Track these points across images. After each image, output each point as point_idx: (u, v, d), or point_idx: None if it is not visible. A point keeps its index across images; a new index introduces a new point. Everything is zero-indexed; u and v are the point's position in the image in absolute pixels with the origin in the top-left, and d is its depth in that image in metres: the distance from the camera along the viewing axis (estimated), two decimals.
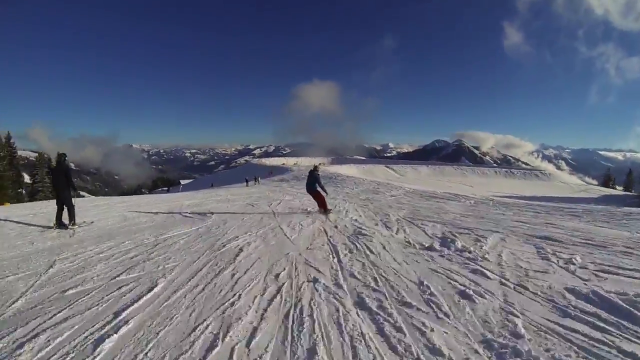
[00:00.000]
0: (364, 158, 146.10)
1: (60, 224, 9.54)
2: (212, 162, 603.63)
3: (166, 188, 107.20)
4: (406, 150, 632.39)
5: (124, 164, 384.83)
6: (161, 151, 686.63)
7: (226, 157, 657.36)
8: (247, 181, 46.53)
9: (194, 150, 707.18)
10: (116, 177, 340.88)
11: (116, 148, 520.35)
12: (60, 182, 9.62)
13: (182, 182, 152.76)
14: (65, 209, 9.70)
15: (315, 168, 12.64)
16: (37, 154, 69.03)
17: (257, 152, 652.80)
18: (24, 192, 54.78)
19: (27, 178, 68.18)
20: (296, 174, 50.30)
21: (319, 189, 11.84)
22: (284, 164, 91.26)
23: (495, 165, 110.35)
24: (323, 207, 11.78)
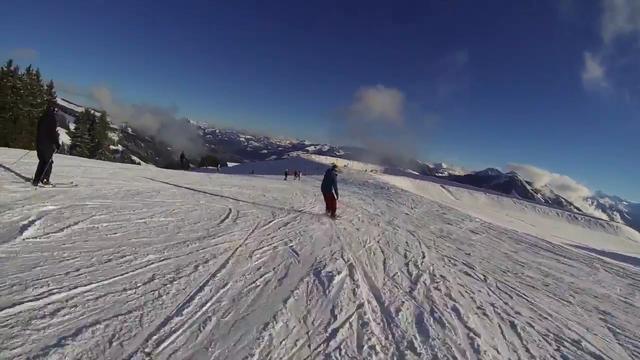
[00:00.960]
0: (417, 173, 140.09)
1: (36, 179, 7.97)
2: (265, 151, 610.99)
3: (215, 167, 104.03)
4: (458, 174, 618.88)
5: (179, 136, 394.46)
6: (217, 131, 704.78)
7: (279, 148, 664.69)
8: (286, 174, 41.05)
9: (249, 136, 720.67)
10: (169, 148, 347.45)
11: (173, 120, 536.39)
12: (42, 134, 8.30)
13: (229, 164, 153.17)
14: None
15: (334, 168, 11.71)
16: (83, 109, 67.66)
17: (311, 148, 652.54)
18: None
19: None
20: (344, 176, 43.96)
21: (333, 191, 10.89)
22: (333, 163, 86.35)
23: (545, 204, 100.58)
24: (332, 211, 10.85)
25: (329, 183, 10.88)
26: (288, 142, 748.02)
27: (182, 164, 35.23)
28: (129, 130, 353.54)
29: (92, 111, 67.32)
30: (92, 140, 61.38)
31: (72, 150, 59.17)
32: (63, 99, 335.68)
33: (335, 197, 10.88)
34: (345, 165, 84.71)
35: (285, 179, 35.57)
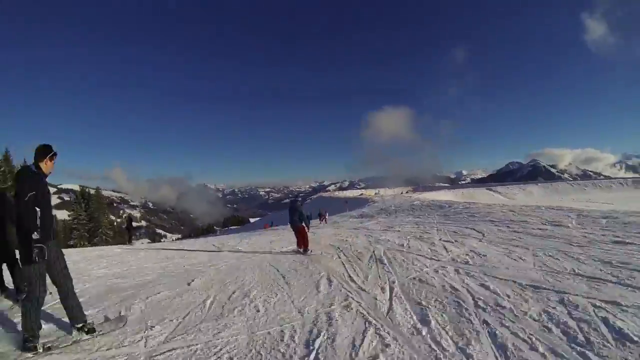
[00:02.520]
0: (447, 185, 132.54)
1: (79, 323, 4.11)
2: (287, 200, 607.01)
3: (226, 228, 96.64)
4: (480, 176, 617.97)
5: (199, 202, 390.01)
6: (236, 190, 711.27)
7: (301, 194, 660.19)
8: (320, 217, 30.49)
9: (269, 189, 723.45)
10: (191, 215, 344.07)
11: (191, 188, 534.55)
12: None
13: (252, 219, 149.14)
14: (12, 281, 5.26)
15: (297, 198, 11.57)
16: (92, 190, 63.09)
17: (331, 188, 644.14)
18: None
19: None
20: (381, 205, 34.74)
21: (304, 224, 10.02)
22: (362, 194, 76.85)
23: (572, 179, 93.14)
24: (305, 245, 9.69)
25: (298, 216, 10.02)
26: (308, 186, 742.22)
27: (129, 233, 25.89)
28: (150, 204, 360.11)
29: (87, 189, 62.65)
30: (89, 220, 55.53)
31: (71, 234, 54.09)
32: (80, 185, 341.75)
33: (306, 229, 10.07)
34: (376, 193, 75.40)
35: (321, 222, 27.02)
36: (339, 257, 8.24)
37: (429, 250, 8.15)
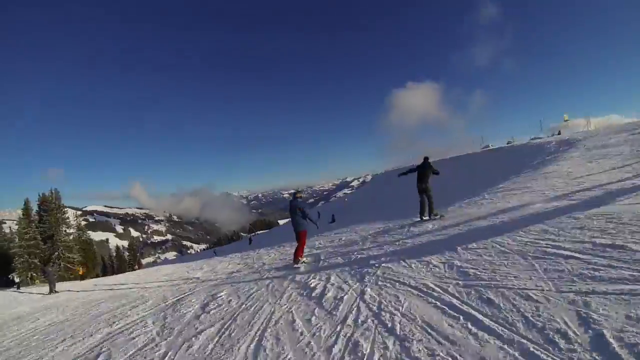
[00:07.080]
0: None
1: None
2: (312, 200, 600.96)
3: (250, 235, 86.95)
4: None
5: (223, 211, 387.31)
6: (259, 195, 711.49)
7: (324, 192, 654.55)
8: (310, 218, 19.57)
9: (292, 191, 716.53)
10: (216, 224, 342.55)
11: (214, 197, 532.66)
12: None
13: (281, 222, 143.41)
14: None
15: (296, 194, 8.94)
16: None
17: (354, 183, 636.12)
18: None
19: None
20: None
21: (308, 223, 8.26)
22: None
23: None
24: (295, 254, 8.18)
25: (298, 218, 8.11)
26: (331, 184, 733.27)
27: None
28: (174, 217, 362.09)
29: (42, 193, 43.79)
30: (44, 239, 39.43)
31: (9, 265, 38.16)
32: (106, 206, 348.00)
33: (315, 226, 8.72)
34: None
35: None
36: None
37: None
